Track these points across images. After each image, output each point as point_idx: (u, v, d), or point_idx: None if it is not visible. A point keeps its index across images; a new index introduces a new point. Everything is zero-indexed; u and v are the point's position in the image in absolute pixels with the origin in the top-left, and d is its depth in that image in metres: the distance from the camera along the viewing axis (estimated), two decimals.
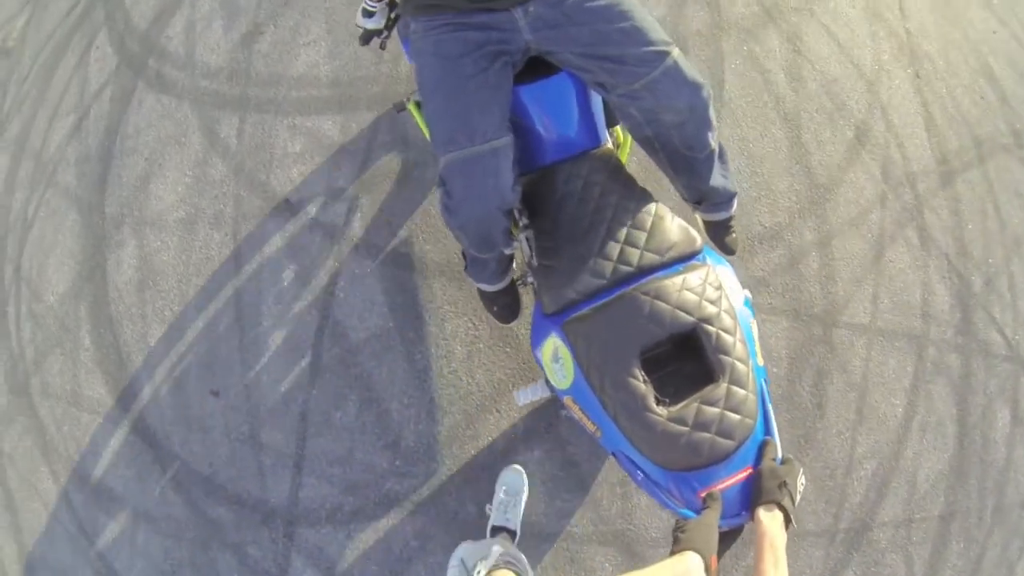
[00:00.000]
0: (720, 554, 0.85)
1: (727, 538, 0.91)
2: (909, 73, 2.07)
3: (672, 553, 0.81)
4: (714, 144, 1.19)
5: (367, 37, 1.22)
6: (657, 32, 1.07)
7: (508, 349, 1.82)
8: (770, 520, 0.83)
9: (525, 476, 1.73)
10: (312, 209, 1.93)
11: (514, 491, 1.69)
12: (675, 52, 1.07)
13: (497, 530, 1.67)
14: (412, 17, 1.09)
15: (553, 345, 1.05)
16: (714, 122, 1.15)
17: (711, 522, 0.86)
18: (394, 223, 1.88)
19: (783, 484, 0.86)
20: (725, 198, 1.34)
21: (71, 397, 2.06)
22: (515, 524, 1.67)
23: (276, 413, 1.85)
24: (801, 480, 0.90)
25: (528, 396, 1.29)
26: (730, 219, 1.42)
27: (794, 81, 2.01)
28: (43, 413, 2.11)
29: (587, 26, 1.04)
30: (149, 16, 2.52)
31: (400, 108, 1.44)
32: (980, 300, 1.93)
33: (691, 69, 1.09)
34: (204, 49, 2.26)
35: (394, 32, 1.25)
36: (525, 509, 1.70)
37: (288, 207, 1.96)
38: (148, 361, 1.96)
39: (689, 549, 0.79)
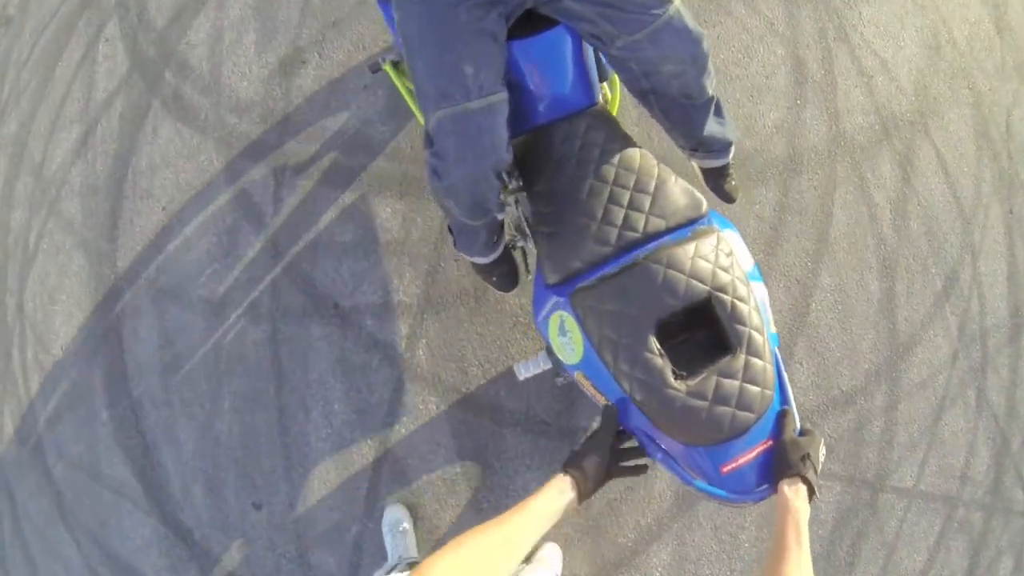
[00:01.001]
0: (603, 479, 0.85)
1: (626, 470, 0.89)
2: (1003, 209, 1.97)
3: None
4: (711, 91, 1.15)
5: None
6: None
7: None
8: (794, 494, 0.82)
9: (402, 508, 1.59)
10: (368, 322, 1.61)
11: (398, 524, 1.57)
12: (677, 1, 1.01)
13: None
14: None
15: (559, 318, 0.99)
16: (712, 70, 1.11)
17: (598, 446, 0.87)
18: (465, 361, 1.59)
19: (806, 456, 0.85)
20: (722, 145, 1.30)
21: (90, 469, 1.86)
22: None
23: (328, 538, 1.65)
24: (822, 451, 0.89)
25: (529, 369, 1.26)
26: (728, 166, 1.39)
27: (898, 218, 1.89)
28: (58, 476, 1.92)
29: None
30: (167, 10, 2.10)
31: (375, 69, 1.36)
32: (1015, 459, 1.91)
33: (692, 18, 1.04)
34: (232, 71, 1.86)
35: None
36: None
37: (338, 313, 1.64)
38: (178, 456, 1.73)
39: (567, 471, 0.83)
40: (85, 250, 1.93)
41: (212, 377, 1.71)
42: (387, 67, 1.35)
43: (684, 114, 1.17)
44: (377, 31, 1.84)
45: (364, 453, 1.66)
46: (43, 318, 1.98)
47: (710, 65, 1.10)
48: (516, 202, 1.20)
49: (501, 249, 1.40)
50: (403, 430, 1.65)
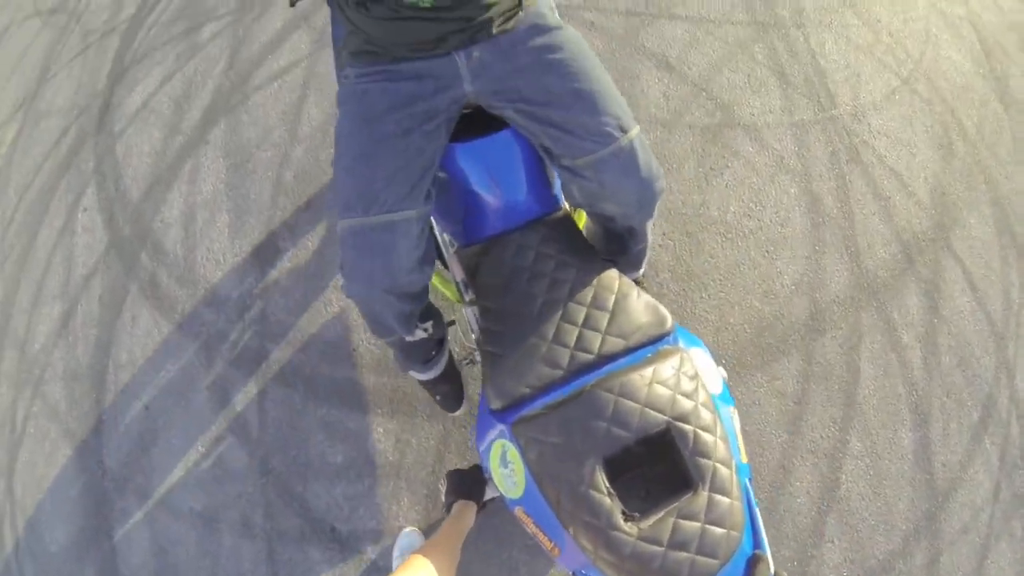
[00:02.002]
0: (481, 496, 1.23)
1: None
2: None
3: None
4: (651, 235, 1.12)
5: None
6: (618, 106, 0.92)
7: None
8: None
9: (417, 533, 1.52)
10: (368, 549, 1.52)
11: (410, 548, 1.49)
12: (633, 132, 0.92)
13: None
14: (348, 63, 0.98)
15: (501, 448, 0.90)
16: (656, 214, 1.03)
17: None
18: None
19: None
20: (641, 261, 1.24)
21: None
22: None
23: None
24: None
25: (493, 492, 1.19)
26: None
27: (929, 356, 1.77)
28: None
29: (536, 80, 0.91)
30: (142, 182, 2.06)
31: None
32: None
33: (648, 155, 0.93)
34: (207, 258, 1.81)
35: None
36: None
37: (335, 538, 1.54)
38: None
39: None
40: (71, 441, 1.89)
41: None
42: None
43: (622, 248, 1.11)
44: None
45: None
46: (33, 504, 1.94)
47: (655, 210, 1.01)
48: (475, 316, 1.11)
49: (442, 367, 1.32)
50: None
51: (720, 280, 1.68)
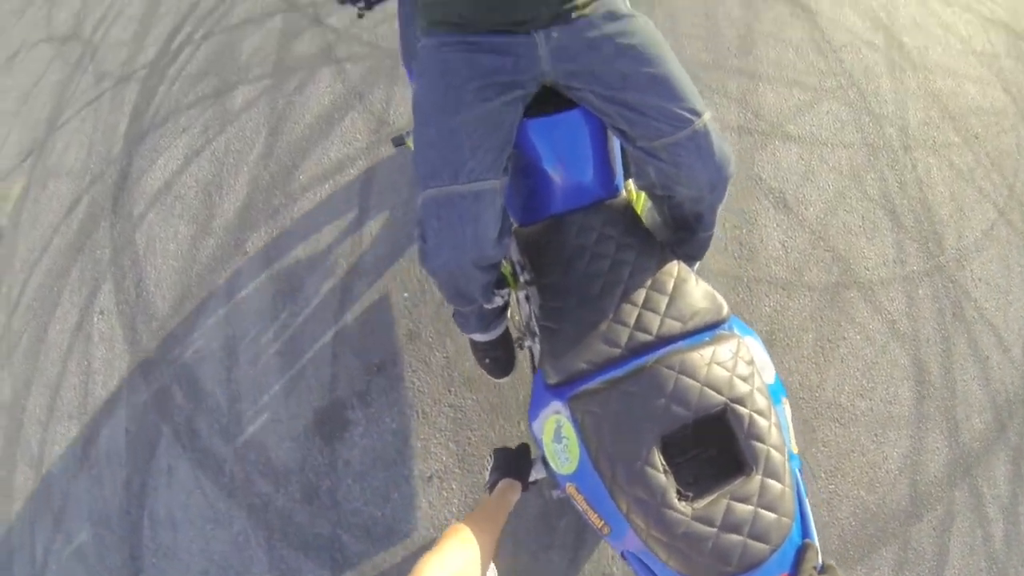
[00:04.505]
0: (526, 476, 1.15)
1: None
2: None
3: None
4: (717, 223, 1.11)
5: None
6: (691, 91, 0.95)
7: None
8: None
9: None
10: None
11: None
12: (706, 116, 0.94)
13: None
14: (424, 32, 0.99)
15: (556, 422, 0.91)
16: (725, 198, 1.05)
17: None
18: None
19: None
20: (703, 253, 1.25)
21: None
22: None
23: None
24: None
25: (539, 472, 1.21)
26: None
27: (1010, 526, 1.66)
28: None
29: (613, 64, 0.94)
30: (167, 291, 1.79)
31: (399, 142, 1.35)
32: None
33: (720, 139, 0.95)
34: (256, 412, 1.57)
35: None
36: None
37: None
38: None
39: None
40: None
41: None
42: (410, 142, 1.25)
43: (690, 234, 1.11)
44: (435, 382, 1.54)
45: None
46: None
47: (725, 194, 1.02)
48: (527, 298, 1.13)
49: (501, 330, 1.34)
50: None
51: (831, 471, 1.60)
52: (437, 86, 0.94)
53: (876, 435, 1.64)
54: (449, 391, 1.57)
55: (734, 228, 1.81)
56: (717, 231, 1.13)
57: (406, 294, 1.67)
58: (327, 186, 1.81)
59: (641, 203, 1.27)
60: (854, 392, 1.66)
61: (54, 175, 2.16)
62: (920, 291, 1.77)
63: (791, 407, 0.92)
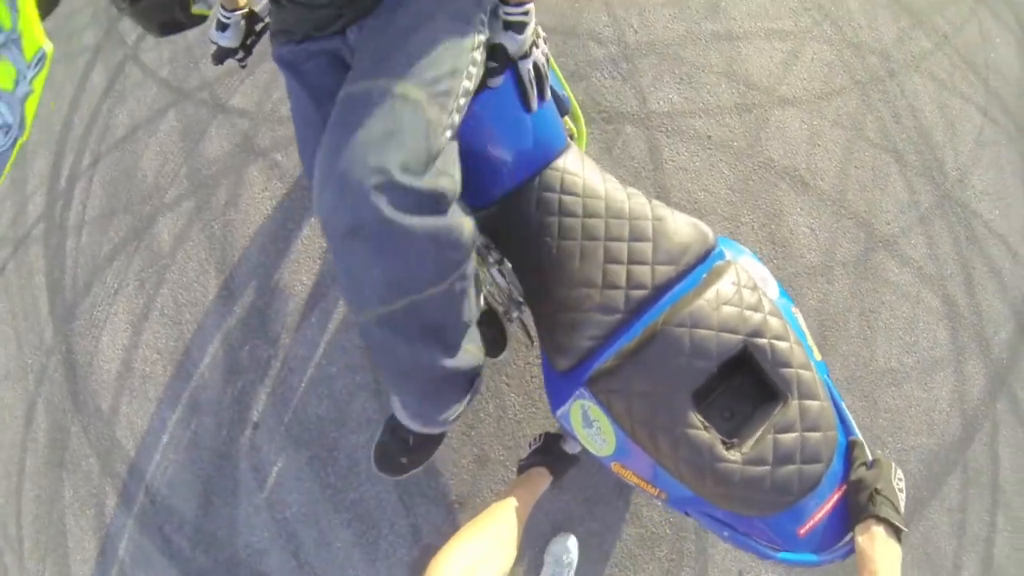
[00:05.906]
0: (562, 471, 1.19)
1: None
2: None
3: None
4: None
5: (221, 55, 1.06)
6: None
7: None
8: (867, 542, 0.72)
9: (574, 543, 1.46)
10: None
11: (562, 562, 1.45)
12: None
13: None
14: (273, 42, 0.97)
15: (581, 408, 0.89)
16: None
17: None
18: None
19: (875, 492, 0.75)
20: None
21: None
22: None
23: None
24: (898, 477, 0.79)
25: (575, 447, 1.21)
26: None
27: None
28: None
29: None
30: (187, 492, 1.58)
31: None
32: None
33: None
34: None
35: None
36: None
37: None
38: None
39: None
40: None
41: None
42: None
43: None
44: None
45: None
46: None
47: None
48: (501, 274, 1.10)
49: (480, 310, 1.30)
50: None
51: (894, 431, 1.65)
52: (304, 98, 0.93)
53: (925, 384, 1.69)
54: None
55: (763, 227, 1.70)
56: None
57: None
58: (314, 317, 1.58)
59: (583, 139, 1.22)
60: (901, 351, 1.70)
61: None
62: (935, 226, 1.79)
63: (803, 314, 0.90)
